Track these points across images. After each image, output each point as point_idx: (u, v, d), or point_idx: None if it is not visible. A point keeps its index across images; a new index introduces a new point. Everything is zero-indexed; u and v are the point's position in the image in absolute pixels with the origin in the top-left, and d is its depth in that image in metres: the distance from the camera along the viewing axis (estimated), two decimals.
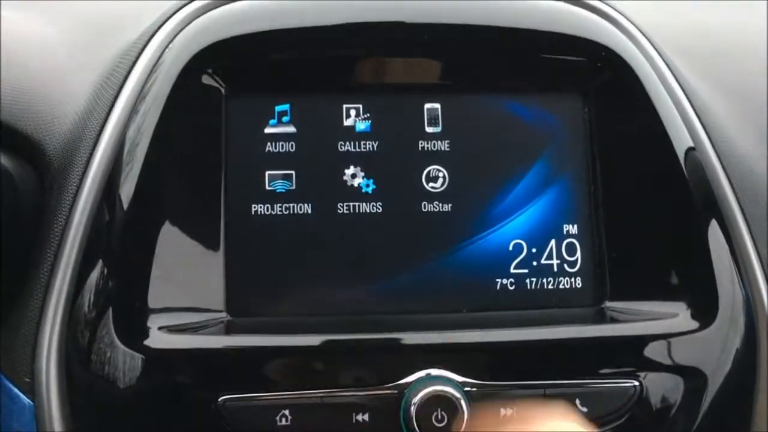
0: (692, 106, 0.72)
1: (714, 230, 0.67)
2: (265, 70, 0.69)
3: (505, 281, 0.69)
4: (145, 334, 0.61)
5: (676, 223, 0.68)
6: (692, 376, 0.64)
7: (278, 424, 0.59)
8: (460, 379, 0.60)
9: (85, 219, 0.64)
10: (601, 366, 0.63)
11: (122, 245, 0.63)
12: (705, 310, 0.65)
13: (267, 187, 0.68)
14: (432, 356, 0.61)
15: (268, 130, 0.69)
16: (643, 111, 0.70)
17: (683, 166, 0.68)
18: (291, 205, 0.68)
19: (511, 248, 0.69)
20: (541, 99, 0.71)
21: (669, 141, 0.69)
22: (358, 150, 0.69)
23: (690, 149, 0.69)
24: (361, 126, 0.70)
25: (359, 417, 0.60)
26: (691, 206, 0.68)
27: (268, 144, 0.69)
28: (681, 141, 0.69)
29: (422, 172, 0.69)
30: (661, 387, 0.63)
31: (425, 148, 0.70)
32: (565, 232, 0.70)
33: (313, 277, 0.67)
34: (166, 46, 0.68)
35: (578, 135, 0.71)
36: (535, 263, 0.69)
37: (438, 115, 0.70)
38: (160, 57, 0.67)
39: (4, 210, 0.62)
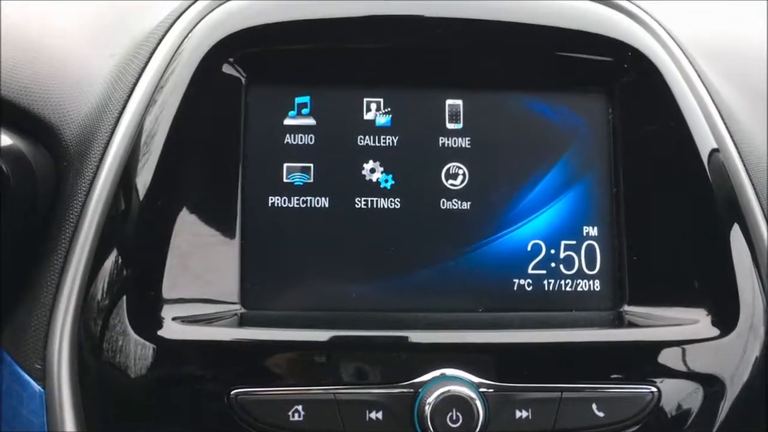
0: (717, 109, 0.71)
1: (736, 236, 0.66)
2: (287, 61, 0.69)
3: (522, 282, 0.68)
4: (159, 324, 0.61)
5: (697, 228, 0.67)
6: (711, 384, 0.63)
7: (290, 419, 0.59)
8: (475, 379, 0.60)
9: (101, 206, 0.64)
10: (619, 371, 0.62)
11: (137, 234, 0.63)
12: (725, 317, 0.64)
13: (285, 180, 0.67)
14: (447, 356, 0.61)
15: (287, 122, 0.68)
16: (668, 112, 0.69)
17: (707, 169, 0.67)
18: (308, 198, 0.67)
19: (529, 249, 0.68)
20: (565, 98, 0.70)
21: (693, 143, 0.68)
22: (377, 144, 0.68)
23: (714, 151, 0.68)
24: (382, 120, 0.69)
25: (372, 415, 0.59)
26: (713, 211, 0.67)
27: (287, 136, 0.68)
28: (705, 143, 0.68)
29: (442, 169, 0.69)
30: (678, 394, 0.62)
31: (446, 145, 0.69)
32: (584, 234, 0.69)
33: (329, 272, 0.66)
34: (188, 33, 0.67)
35: (601, 135, 0.70)
36: (553, 264, 0.68)
37: (459, 112, 0.69)
38: (181, 44, 0.67)
39: (22, 194, 0.62)
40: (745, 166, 0.70)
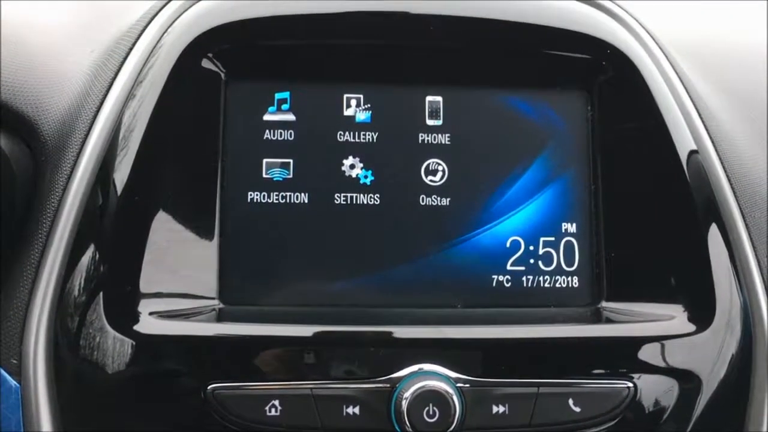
0: (696, 108, 0.72)
1: (714, 234, 0.67)
2: (266, 57, 0.69)
3: (501, 278, 0.68)
4: (136, 319, 0.60)
5: (675, 226, 0.68)
6: (686, 380, 0.63)
7: (267, 414, 0.59)
8: (452, 374, 0.60)
9: (78, 201, 0.63)
10: (596, 366, 0.62)
11: (115, 229, 0.63)
12: (702, 313, 0.65)
13: (264, 175, 0.67)
14: (425, 351, 0.61)
15: (267, 117, 0.68)
16: (646, 111, 0.69)
17: (685, 168, 0.68)
18: (288, 193, 0.67)
19: (508, 245, 0.68)
20: (545, 95, 0.70)
21: (671, 142, 0.68)
22: (357, 140, 0.68)
23: (692, 151, 0.69)
24: (362, 116, 0.69)
25: (349, 410, 0.59)
26: (691, 209, 0.68)
27: (267, 131, 0.68)
28: (683, 142, 0.69)
29: (421, 165, 0.69)
30: (654, 389, 0.62)
31: (425, 141, 0.69)
32: (563, 231, 0.69)
33: (308, 268, 0.66)
34: (167, 28, 0.67)
35: (580, 133, 0.70)
36: (531, 261, 0.69)
37: (439, 108, 0.70)
38: (160, 39, 0.67)
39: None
40: (723, 164, 0.70)
